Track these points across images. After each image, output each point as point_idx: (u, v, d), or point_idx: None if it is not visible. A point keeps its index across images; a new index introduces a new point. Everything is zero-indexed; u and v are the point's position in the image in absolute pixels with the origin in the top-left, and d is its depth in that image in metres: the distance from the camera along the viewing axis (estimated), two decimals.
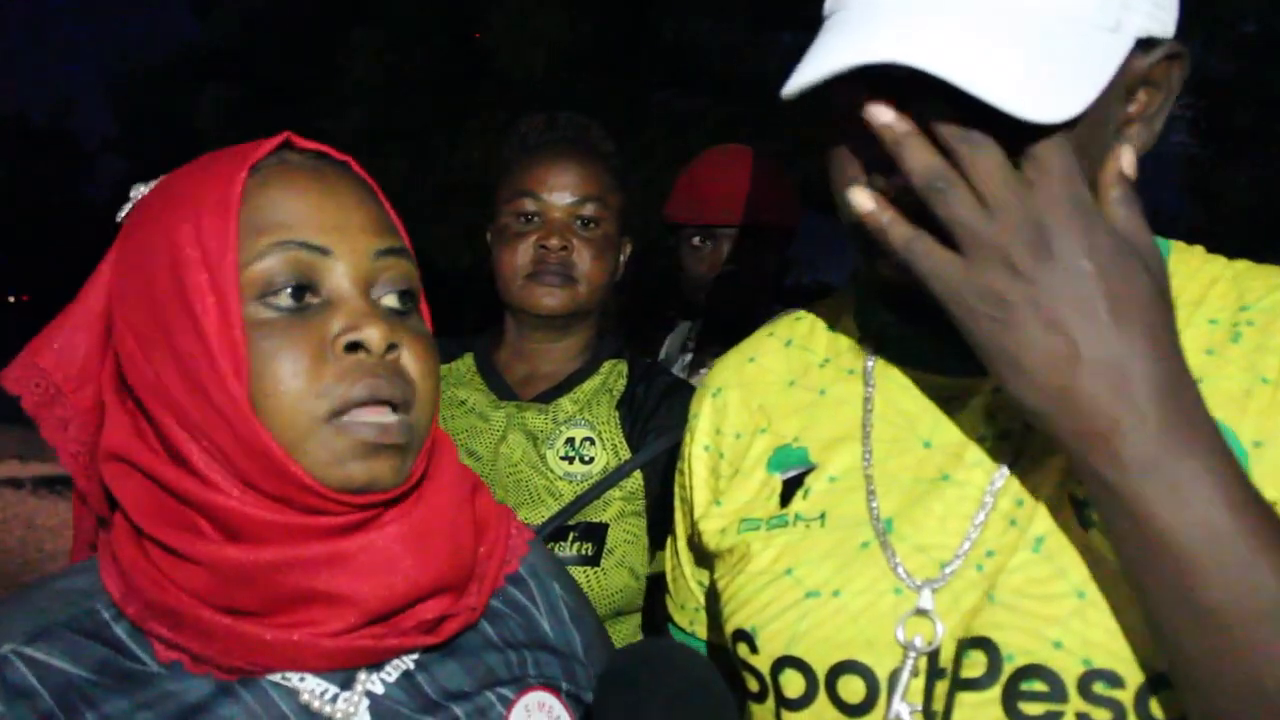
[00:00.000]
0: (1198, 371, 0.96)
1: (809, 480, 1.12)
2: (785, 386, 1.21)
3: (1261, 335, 0.98)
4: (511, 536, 1.14)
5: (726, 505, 1.18)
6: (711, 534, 1.18)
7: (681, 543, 1.31)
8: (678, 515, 1.31)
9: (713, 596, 1.19)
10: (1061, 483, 0.98)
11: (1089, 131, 0.91)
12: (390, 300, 1.00)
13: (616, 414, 1.93)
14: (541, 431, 1.91)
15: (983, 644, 0.95)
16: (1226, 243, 1.14)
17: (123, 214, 1.04)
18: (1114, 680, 0.91)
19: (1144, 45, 0.96)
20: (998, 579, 0.96)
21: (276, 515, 0.93)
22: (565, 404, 1.94)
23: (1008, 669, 0.94)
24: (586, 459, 1.88)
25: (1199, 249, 1.10)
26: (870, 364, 1.15)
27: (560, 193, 1.90)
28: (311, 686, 0.95)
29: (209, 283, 0.92)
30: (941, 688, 0.97)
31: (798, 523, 1.10)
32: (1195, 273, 1.06)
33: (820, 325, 1.25)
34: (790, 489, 1.13)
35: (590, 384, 1.97)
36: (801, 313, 1.29)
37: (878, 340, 1.16)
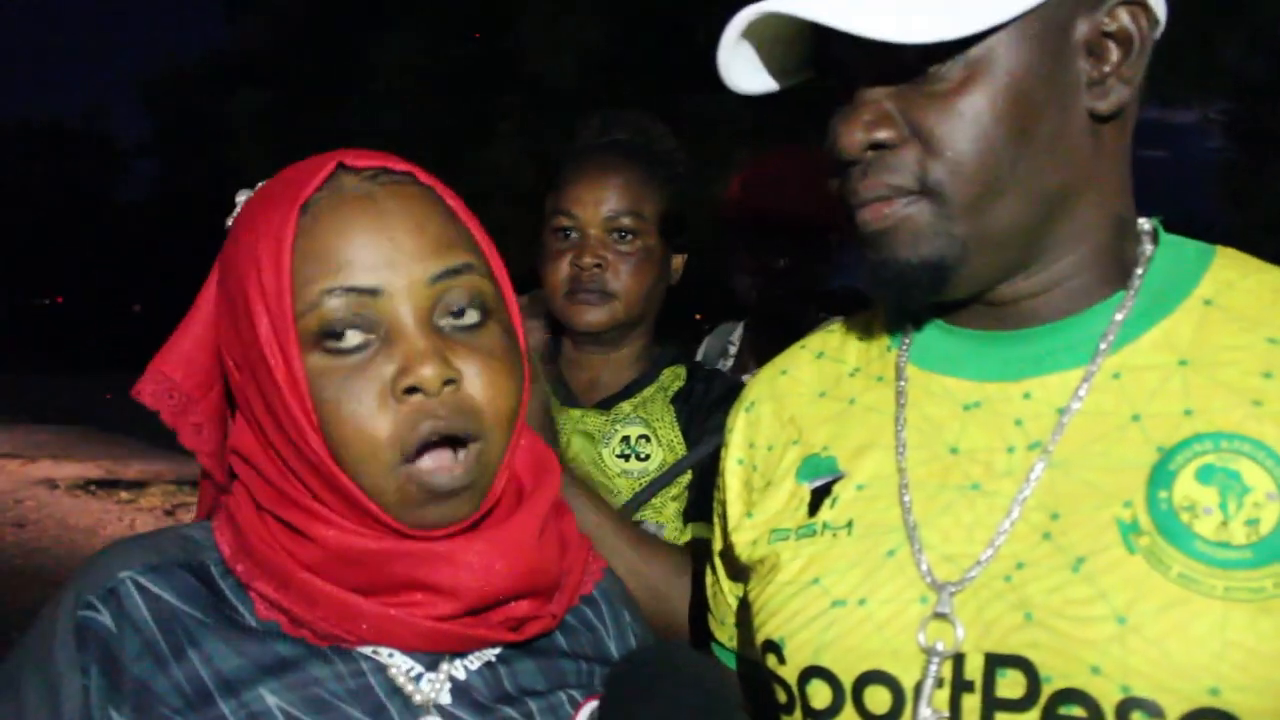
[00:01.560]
0: (1253, 393, 0.95)
1: (837, 489, 1.11)
2: (816, 397, 1.21)
3: None
4: (589, 560, 1.18)
5: (758, 516, 1.17)
6: (744, 546, 1.18)
7: (718, 558, 1.30)
8: (715, 530, 1.31)
9: (744, 608, 1.19)
10: (1102, 503, 0.96)
11: (1034, 81, 0.98)
12: (456, 319, 0.99)
13: (671, 409, 1.93)
14: (599, 431, 1.92)
15: (1020, 664, 0.94)
16: (1264, 247, 1.12)
17: (229, 222, 1.07)
18: (1154, 710, 0.89)
19: (1089, 2, 1.00)
20: (1034, 596, 0.95)
21: (371, 537, 0.98)
22: (625, 408, 1.95)
23: (1046, 691, 0.92)
24: (642, 456, 1.89)
25: (1251, 258, 1.07)
26: (900, 370, 1.14)
27: (594, 208, 1.89)
28: (399, 663, 1.00)
29: (272, 333, 0.95)
30: (971, 702, 0.96)
31: (825, 531, 1.09)
32: (1246, 282, 1.03)
33: (852, 336, 1.24)
34: (819, 498, 1.12)
35: (650, 390, 1.98)
36: (834, 325, 1.29)
37: (907, 346, 1.16)
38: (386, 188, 1.00)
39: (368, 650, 0.99)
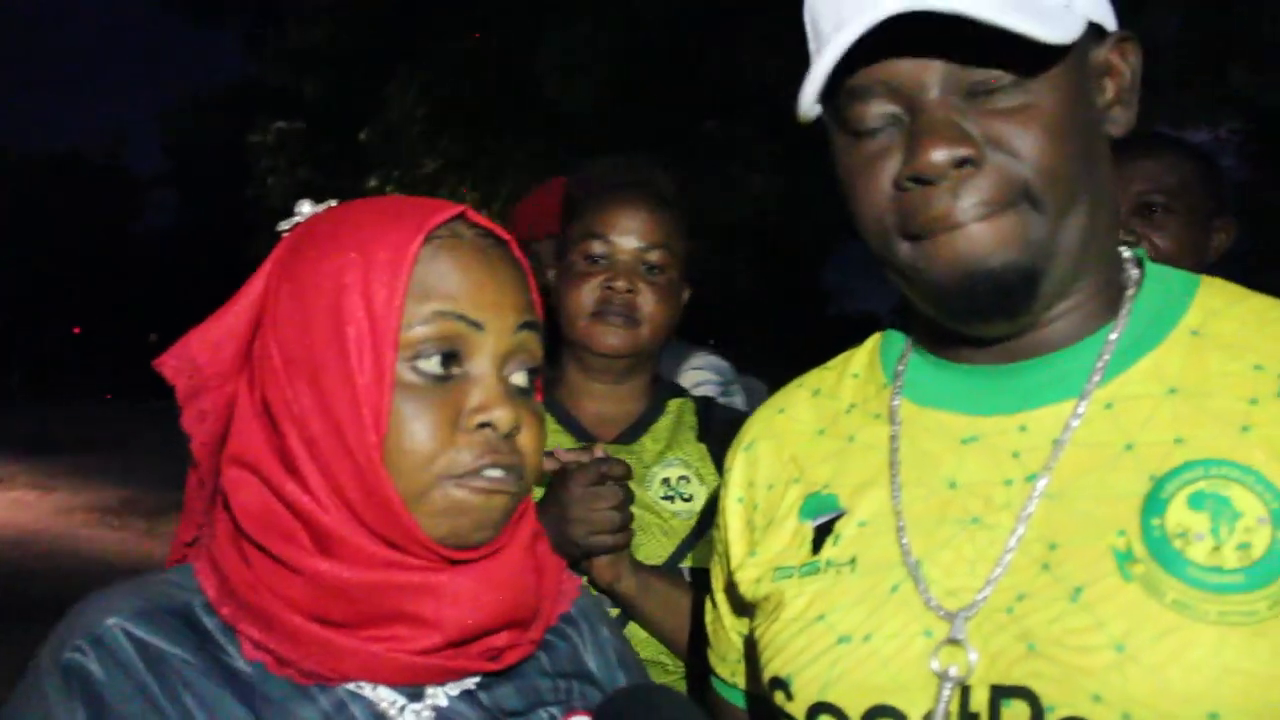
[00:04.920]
0: (1241, 418, 0.97)
1: (839, 526, 1.12)
2: (815, 435, 1.22)
3: None
4: (564, 581, 1.22)
5: (761, 555, 1.19)
6: (748, 584, 1.19)
7: (720, 594, 1.31)
8: (715, 568, 1.33)
9: (750, 645, 1.20)
10: (1098, 533, 0.97)
11: (1081, 100, 1.03)
12: (519, 379, 1.08)
13: (703, 446, 1.96)
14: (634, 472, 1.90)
15: (1024, 694, 0.94)
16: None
17: (285, 226, 1.13)
18: None
19: (1098, 34, 1.05)
20: (1035, 627, 0.95)
21: (372, 546, 1.01)
22: (647, 444, 1.96)
23: None
24: (686, 496, 1.90)
25: (1235, 286, 1.09)
26: (895, 406, 1.16)
27: (628, 236, 1.92)
28: (383, 696, 1.03)
29: (369, 340, 1.00)
30: None
31: (829, 568, 1.10)
32: (1232, 310, 1.05)
33: (847, 372, 1.26)
34: (821, 535, 1.13)
35: (664, 422, 1.99)
36: (830, 362, 1.30)
37: (902, 382, 1.17)
38: (497, 247, 1.10)
39: (351, 686, 1.02)
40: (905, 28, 0.98)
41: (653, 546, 1.86)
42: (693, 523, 1.88)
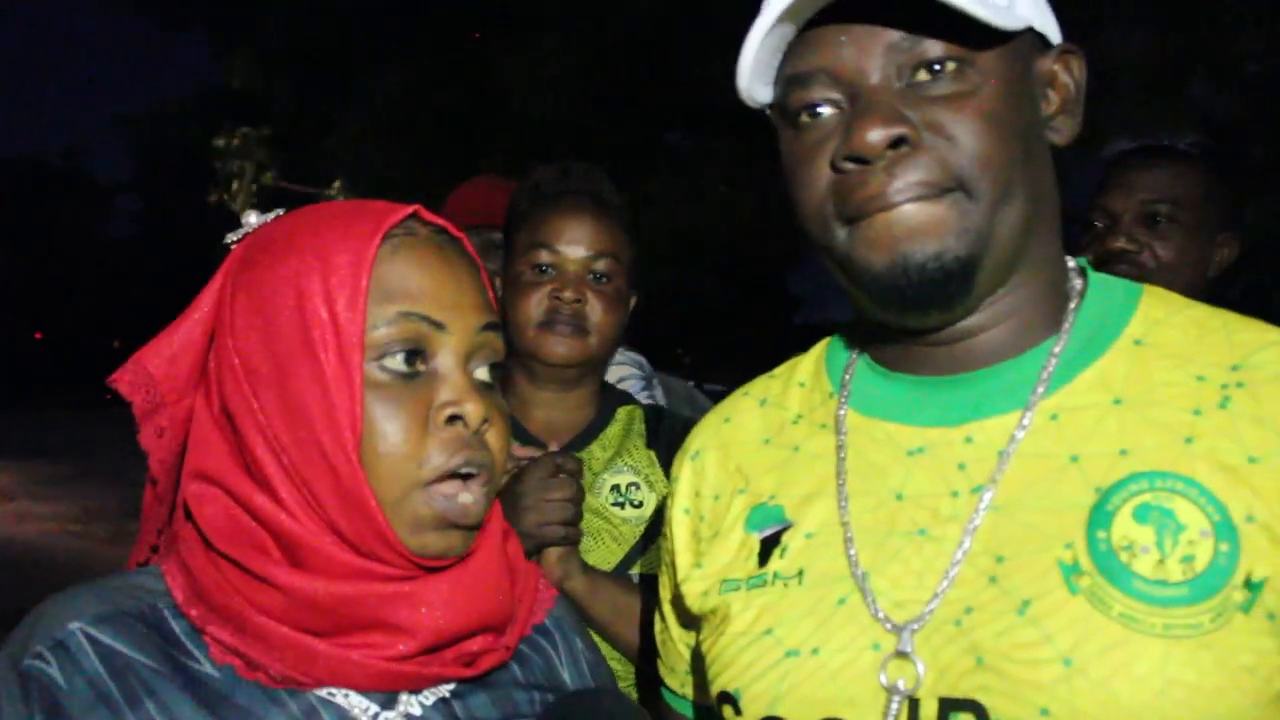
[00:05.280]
0: (1185, 430, 0.97)
1: (786, 538, 1.12)
2: (761, 445, 1.22)
3: (1252, 403, 0.97)
4: (539, 590, 1.21)
5: (708, 567, 1.18)
6: (694, 596, 1.18)
7: (667, 606, 1.31)
8: (663, 579, 1.32)
9: (698, 658, 1.19)
10: (1044, 545, 0.97)
11: (1020, 97, 1.04)
12: (483, 374, 1.08)
13: (651, 453, 1.97)
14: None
15: (972, 707, 0.94)
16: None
17: (233, 238, 1.11)
18: None
19: (1042, 45, 1.08)
20: (983, 640, 0.95)
21: (345, 555, 1.00)
22: (595, 451, 1.97)
23: None
24: (636, 503, 1.92)
25: (1176, 295, 1.10)
26: (841, 416, 1.15)
27: (575, 246, 1.92)
28: (356, 703, 1.02)
29: (335, 342, 0.99)
30: None
31: (776, 581, 1.10)
32: (1174, 320, 1.06)
33: (793, 381, 1.26)
34: (768, 548, 1.13)
35: (613, 430, 2.00)
36: (776, 370, 1.30)
37: (848, 392, 1.17)
38: (452, 244, 1.10)
39: (323, 692, 1.01)
40: (847, 13, 1.01)
41: (602, 552, 1.86)
42: (642, 529, 1.89)
